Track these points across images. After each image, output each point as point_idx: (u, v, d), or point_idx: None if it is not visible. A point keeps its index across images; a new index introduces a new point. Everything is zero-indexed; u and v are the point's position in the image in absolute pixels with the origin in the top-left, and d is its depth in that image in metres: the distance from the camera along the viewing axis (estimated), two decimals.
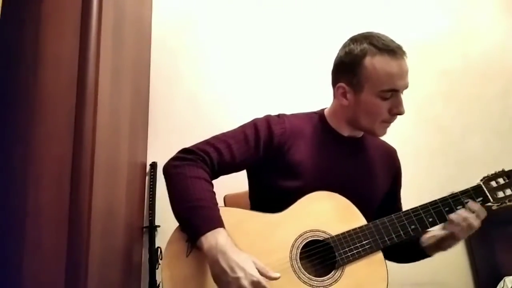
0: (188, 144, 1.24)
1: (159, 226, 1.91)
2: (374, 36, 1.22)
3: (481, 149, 2.13)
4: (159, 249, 1.84)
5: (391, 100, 1.21)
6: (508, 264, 1.92)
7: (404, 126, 2.11)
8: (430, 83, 2.22)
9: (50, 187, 1.22)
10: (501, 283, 1.84)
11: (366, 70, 1.20)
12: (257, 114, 1.33)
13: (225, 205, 1.56)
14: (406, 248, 1.31)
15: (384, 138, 1.43)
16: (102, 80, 1.34)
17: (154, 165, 1.99)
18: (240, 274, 0.99)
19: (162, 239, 1.14)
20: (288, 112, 1.36)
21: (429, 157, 2.15)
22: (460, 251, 2.05)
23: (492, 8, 2.36)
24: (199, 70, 2.15)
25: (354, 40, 1.25)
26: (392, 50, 1.19)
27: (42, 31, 1.30)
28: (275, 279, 1.03)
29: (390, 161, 1.42)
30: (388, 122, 1.25)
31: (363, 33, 1.26)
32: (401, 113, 1.23)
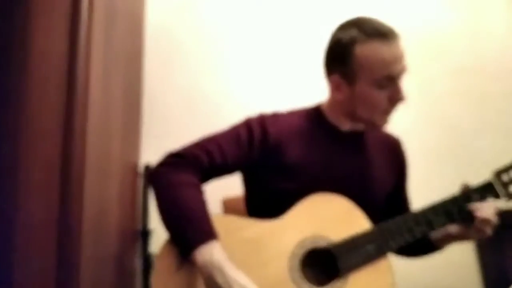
0: (183, 144, 1.18)
1: (153, 231, 1.86)
2: (362, 21, 1.14)
3: (491, 149, 2.11)
4: (152, 255, 1.79)
5: (389, 87, 1.13)
6: None
7: (414, 125, 2.11)
8: (440, 82, 2.19)
9: (39, 189, 1.16)
10: None
11: (357, 59, 1.12)
12: (257, 112, 1.27)
13: (224, 210, 1.50)
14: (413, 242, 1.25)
15: None
16: (93, 76, 1.28)
17: (148, 167, 1.92)
18: None
19: (157, 244, 1.10)
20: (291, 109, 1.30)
21: (438, 156, 2.13)
22: (469, 256, 2.02)
23: (504, 5, 2.34)
24: (195, 67, 2.09)
25: (342, 27, 1.18)
26: (383, 34, 1.11)
27: (30, 24, 1.24)
28: None
29: (394, 154, 1.35)
30: (389, 111, 1.18)
31: (351, 19, 1.18)
32: (402, 100, 1.14)
